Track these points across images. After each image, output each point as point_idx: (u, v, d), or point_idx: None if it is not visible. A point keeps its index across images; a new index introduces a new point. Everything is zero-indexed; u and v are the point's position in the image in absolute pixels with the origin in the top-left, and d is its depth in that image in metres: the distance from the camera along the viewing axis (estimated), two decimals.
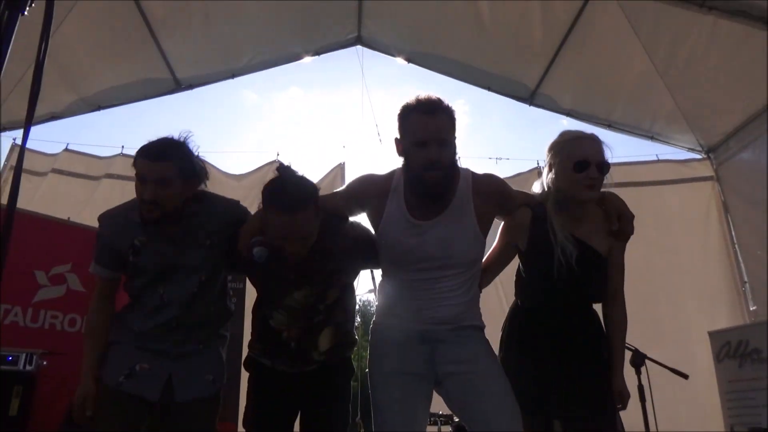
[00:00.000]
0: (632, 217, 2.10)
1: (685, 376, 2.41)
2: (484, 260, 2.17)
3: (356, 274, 2.17)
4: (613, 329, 2.10)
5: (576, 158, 2.00)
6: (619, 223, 2.09)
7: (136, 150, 1.99)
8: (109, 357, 2.01)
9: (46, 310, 3.53)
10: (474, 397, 1.86)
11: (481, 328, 2.02)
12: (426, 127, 1.85)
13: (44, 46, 0.94)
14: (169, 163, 1.92)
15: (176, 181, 1.94)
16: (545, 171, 2.15)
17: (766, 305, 4.89)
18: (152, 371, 1.99)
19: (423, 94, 1.93)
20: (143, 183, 1.93)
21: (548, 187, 2.11)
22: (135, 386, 1.95)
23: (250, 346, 2.17)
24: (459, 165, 2.01)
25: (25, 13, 0.93)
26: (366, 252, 2.04)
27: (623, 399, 2.05)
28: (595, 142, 2.08)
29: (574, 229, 2.08)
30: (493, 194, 2.00)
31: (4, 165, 5.40)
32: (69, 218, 3.94)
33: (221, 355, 2.19)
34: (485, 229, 1.97)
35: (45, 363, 2.99)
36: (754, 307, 5.09)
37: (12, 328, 3.37)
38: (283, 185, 1.87)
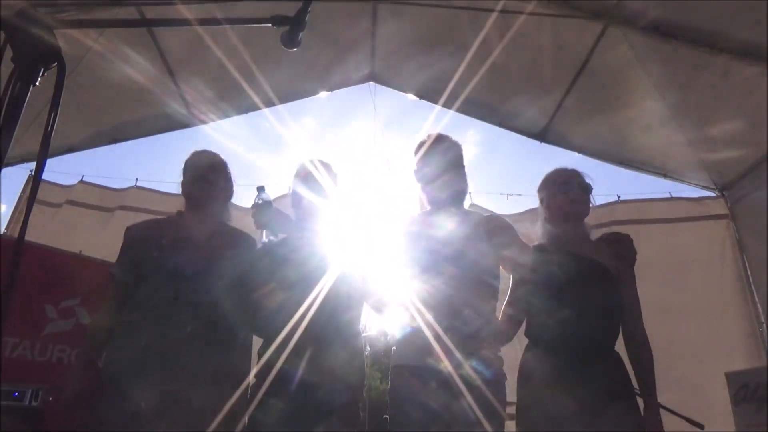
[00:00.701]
0: (630, 241, 2.17)
1: (701, 426, 2.33)
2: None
3: None
4: (639, 368, 2.04)
5: (559, 181, 2.31)
6: (617, 245, 2.14)
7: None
8: None
9: (54, 344, 3.53)
10: None
11: None
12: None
13: (54, 115, 0.97)
14: None
15: None
16: (540, 208, 2.31)
17: None
18: None
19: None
20: None
21: (544, 219, 2.37)
22: None
23: None
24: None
25: (37, 84, 0.96)
26: None
27: None
28: (576, 172, 2.37)
29: (575, 249, 2.19)
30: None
31: (20, 197, 5.48)
32: (81, 251, 3.97)
33: None
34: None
35: (51, 398, 2.97)
36: None
37: (20, 361, 3.37)
38: None
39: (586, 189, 2.31)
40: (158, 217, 2.51)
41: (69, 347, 3.58)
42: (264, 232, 2.19)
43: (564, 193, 2.28)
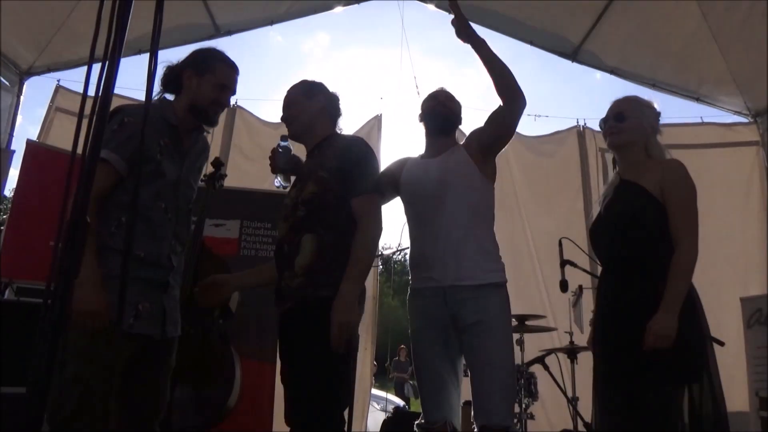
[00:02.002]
0: (677, 166, 2.20)
1: (721, 344, 2.43)
2: None
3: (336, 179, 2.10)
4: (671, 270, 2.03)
5: (603, 118, 2.34)
6: (665, 171, 2.18)
7: (215, 53, 2.22)
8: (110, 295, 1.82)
9: None
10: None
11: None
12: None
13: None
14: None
15: None
16: None
17: None
18: (152, 308, 1.98)
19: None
20: (223, 89, 2.17)
21: None
22: (144, 327, 1.94)
23: None
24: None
25: None
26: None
27: (651, 338, 1.95)
28: (618, 100, 2.33)
29: (627, 175, 2.25)
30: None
31: (49, 106, 5.52)
32: None
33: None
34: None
35: None
36: None
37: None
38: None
39: (618, 116, 2.28)
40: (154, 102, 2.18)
41: None
42: (277, 177, 2.27)
43: (602, 129, 2.37)
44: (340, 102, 2.31)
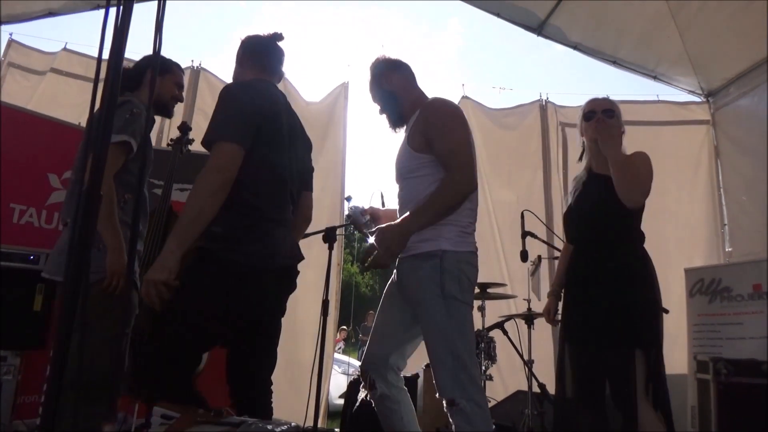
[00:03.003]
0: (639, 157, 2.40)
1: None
2: None
3: None
4: None
5: (585, 111, 2.55)
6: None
7: (170, 63, 2.58)
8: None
9: (59, 213, 3.63)
10: None
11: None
12: None
13: None
14: None
15: None
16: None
17: (741, 247, 5.19)
18: (140, 274, 2.37)
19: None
20: (180, 88, 2.72)
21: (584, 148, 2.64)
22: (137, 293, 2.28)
23: None
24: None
25: None
26: None
27: None
28: (602, 100, 2.58)
29: (599, 169, 2.53)
30: (423, 116, 2.21)
31: (2, 60, 5.28)
32: (80, 123, 3.95)
33: None
34: (415, 141, 2.17)
35: None
36: (729, 249, 5.39)
37: (28, 229, 3.48)
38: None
39: (608, 112, 2.52)
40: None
41: None
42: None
43: (589, 121, 2.54)
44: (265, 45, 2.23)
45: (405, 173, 2.20)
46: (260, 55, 2.22)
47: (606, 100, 2.60)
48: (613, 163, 2.36)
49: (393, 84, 2.34)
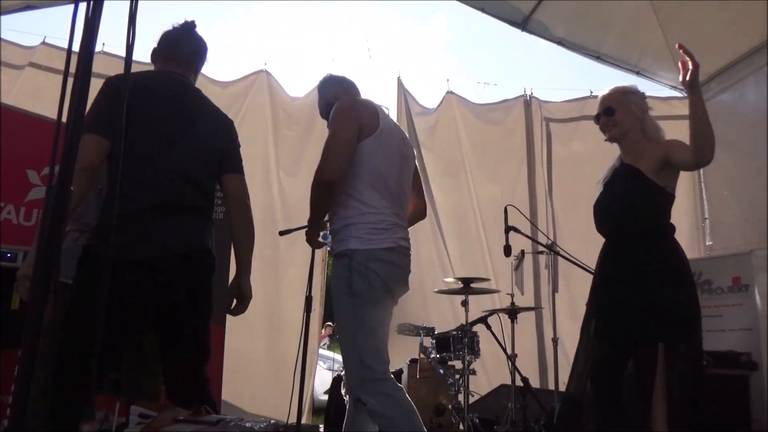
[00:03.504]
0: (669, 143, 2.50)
1: None
2: None
3: None
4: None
5: (595, 115, 2.58)
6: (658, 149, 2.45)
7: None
8: None
9: (38, 210, 3.57)
10: None
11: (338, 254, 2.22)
12: None
13: None
14: None
15: None
16: None
17: (722, 241, 5.26)
18: None
19: None
20: None
21: None
22: None
23: None
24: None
25: None
26: None
27: None
28: (604, 96, 2.59)
29: (627, 159, 2.52)
30: None
31: None
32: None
33: None
34: None
35: None
36: (710, 242, 5.46)
37: (6, 225, 3.42)
38: None
39: (608, 111, 2.54)
40: None
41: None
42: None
43: (597, 124, 2.58)
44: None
45: None
46: (167, 46, 2.22)
47: (607, 96, 2.59)
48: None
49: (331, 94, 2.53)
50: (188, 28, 2.27)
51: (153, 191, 1.94)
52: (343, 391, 2.35)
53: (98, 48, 5.50)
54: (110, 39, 5.72)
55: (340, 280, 2.14)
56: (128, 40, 0.97)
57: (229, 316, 3.98)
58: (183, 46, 2.25)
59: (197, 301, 2.09)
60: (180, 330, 2.05)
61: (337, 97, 2.40)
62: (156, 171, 1.96)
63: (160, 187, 1.97)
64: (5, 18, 5.41)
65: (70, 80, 0.90)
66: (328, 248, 2.40)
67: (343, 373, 2.53)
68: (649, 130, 2.55)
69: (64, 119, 0.90)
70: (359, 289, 2.09)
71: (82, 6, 0.91)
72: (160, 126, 2.01)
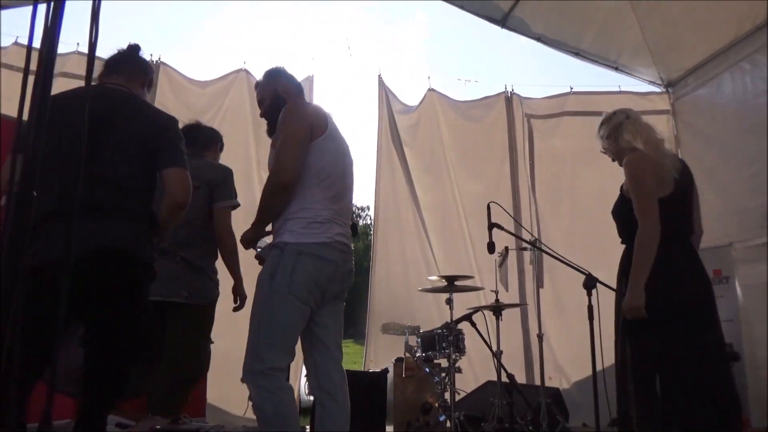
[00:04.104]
0: (627, 164, 2.51)
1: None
2: None
3: None
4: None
5: None
6: None
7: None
8: None
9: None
10: None
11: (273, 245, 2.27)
12: None
13: None
14: None
15: None
16: None
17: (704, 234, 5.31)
18: None
19: None
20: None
21: None
22: None
23: None
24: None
25: None
26: None
27: (627, 313, 2.36)
28: (600, 123, 2.77)
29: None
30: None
31: None
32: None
33: None
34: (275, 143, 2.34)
35: None
36: None
37: None
38: None
39: (604, 136, 2.72)
40: None
41: None
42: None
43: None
44: None
45: None
46: (105, 63, 2.43)
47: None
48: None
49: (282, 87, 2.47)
50: (132, 50, 2.46)
51: (55, 195, 1.86)
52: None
53: (73, 48, 5.41)
54: (85, 39, 5.58)
55: (267, 268, 2.19)
56: (91, 37, 0.93)
57: None
58: (120, 62, 2.40)
59: (104, 301, 2.08)
60: (93, 331, 2.14)
61: (287, 92, 2.42)
62: (60, 175, 1.85)
63: (61, 191, 1.92)
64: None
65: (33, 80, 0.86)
66: (258, 249, 2.42)
67: None
68: (623, 143, 2.60)
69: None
70: (279, 284, 2.12)
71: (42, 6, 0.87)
72: (67, 134, 1.96)
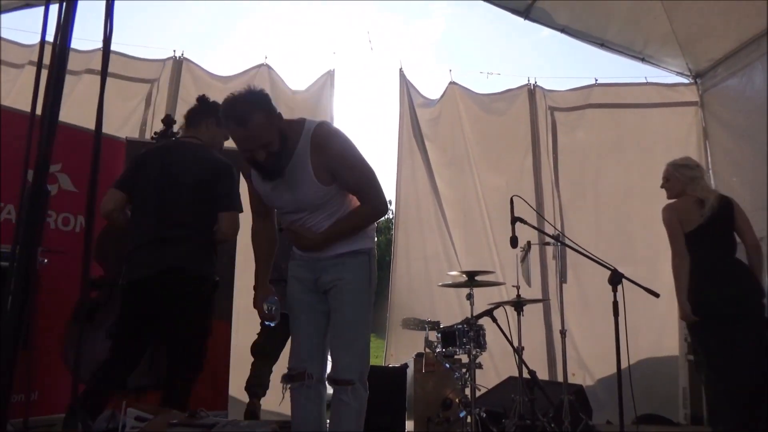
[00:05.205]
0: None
1: (657, 295, 2.63)
2: None
3: None
4: None
5: None
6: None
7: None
8: None
9: None
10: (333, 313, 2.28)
11: (355, 252, 2.27)
12: (242, 139, 2.03)
13: None
14: None
15: None
16: None
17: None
18: None
19: (231, 98, 2.05)
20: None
21: None
22: None
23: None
24: (307, 121, 2.21)
25: None
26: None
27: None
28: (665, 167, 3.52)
29: None
30: (321, 148, 2.13)
31: None
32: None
33: None
34: (323, 176, 2.15)
35: (46, 261, 3.06)
36: None
37: (6, 225, 3.41)
38: (233, 100, 2.03)
39: (665, 177, 3.47)
40: None
41: (55, 212, 3.62)
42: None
43: None
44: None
45: (316, 206, 2.23)
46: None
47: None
48: None
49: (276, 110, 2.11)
50: (200, 102, 3.13)
51: (145, 230, 2.82)
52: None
53: (99, 45, 5.48)
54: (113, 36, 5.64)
55: (360, 272, 2.29)
56: (105, 32, 0.93)
57: (234, 313, 3.98)
58: (191, 116, 3.09)
59: (175, 310, 2.76)
60: (171, 339, 2.85)
61: (279, 118, 2.12)
62: (146, 215, 2.84)
63: (150, 226, 2.80)
64: (4, 16, 5.39)
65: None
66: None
67: None
68: (689, 190, 3.39)
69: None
70: (373, 289, 2.38)
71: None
72: (150, 182, 2.87)
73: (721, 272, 3.17)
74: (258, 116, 1.98)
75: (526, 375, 3.67)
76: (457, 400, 3.74)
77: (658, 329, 5.14)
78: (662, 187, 3.49)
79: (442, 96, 5.83)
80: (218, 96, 5.88)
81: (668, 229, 3.29)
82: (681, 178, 3.38)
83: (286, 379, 2.23)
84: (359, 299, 2.24)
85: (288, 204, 2.25)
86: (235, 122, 1.98)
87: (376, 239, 2.40)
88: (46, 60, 1.21)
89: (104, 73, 1.03)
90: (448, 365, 3.74)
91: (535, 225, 3.85)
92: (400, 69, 5.79)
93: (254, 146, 2.00)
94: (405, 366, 4.02)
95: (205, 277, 2.84)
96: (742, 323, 3.02)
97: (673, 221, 3.27)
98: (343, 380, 2.15)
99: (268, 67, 5.58)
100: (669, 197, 3.45)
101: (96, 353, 2.97)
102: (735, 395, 3.00)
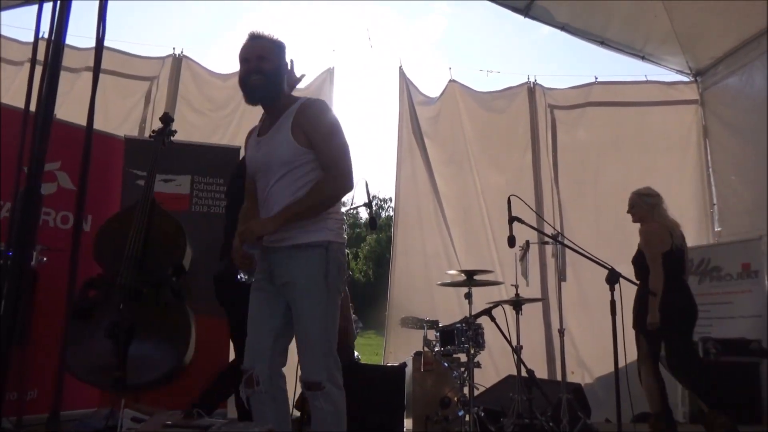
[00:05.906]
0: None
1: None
2: None
3: None
4: None
5: None
6: None
7: None
8: None
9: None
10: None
11: (308, 245, 2.15)
12: (248, 48, 2.22)
13: None
14: None
15: None
16: None
17: (730, 227, 5.19)
18: None
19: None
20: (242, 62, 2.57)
21: None
22: None
23: None
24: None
25: None
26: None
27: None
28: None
29: None
30: (304, 112, 2.20)
31: None
32: (56, 115, 3.86)
33: None
34: (299, 137, 2.16)
35: (45, 259, 3.07)
36: (719, 229, 5.39)
37: (6, 224, 3.41)
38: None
39: (630, 204, 3.88)
40: None
41: (53, 210, 3.62)
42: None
43: None
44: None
45: (284, 164, 2.18)
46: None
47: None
48: None
49: (285, 64, 2.32)
50: None
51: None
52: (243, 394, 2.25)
53: (92, 43, 5.46)
54: (110, 34, 5.63)
55: (314, 267, 2.15)
56: (98, 34, 0.93)
57: None
58: None
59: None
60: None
61: (288, 78, 2.37)
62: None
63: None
64: (4, 14, 5.38)
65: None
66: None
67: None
68: (651, 216, 3.80)
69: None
70: (332, 283, 2.19)
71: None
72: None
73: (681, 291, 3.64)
74: (271, 41, 2.25)
75: (524, 374, 3.67)
76: (455, 399, 3.74)
77: None
78: (628, 212, 3.88)
79: (441, 94, 5.83)
80: (218, 93, 5.89)
81: (651, 248, 3.63)
82: (644, 205, 3.80)
83: (242, 386, 2.14)
84: (313, 298, 2.11)
85: (261, 161, 2.24)
86: (252, 36, 2.25)
87: (345, 235, 2.28)
88: (42, 57, 1.22)
89: (96, 74, 1.02)
90: (446, 364, 3.74)
91: (534, 224, 3.84)
92: (400, 67, 5.79)
93: (253, 55, 2.19)
94: (404, 365, 4.02)
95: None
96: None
97: (656, 241, 3.65)
98: (312, 383, 2.08)
99: None
100: (634, 221, 3.86)
101: (94, 352, 2.97)
102: (687, 372, 3.64)
